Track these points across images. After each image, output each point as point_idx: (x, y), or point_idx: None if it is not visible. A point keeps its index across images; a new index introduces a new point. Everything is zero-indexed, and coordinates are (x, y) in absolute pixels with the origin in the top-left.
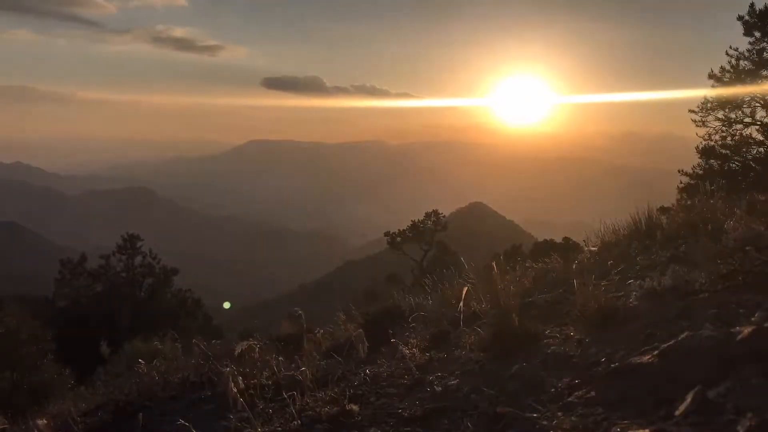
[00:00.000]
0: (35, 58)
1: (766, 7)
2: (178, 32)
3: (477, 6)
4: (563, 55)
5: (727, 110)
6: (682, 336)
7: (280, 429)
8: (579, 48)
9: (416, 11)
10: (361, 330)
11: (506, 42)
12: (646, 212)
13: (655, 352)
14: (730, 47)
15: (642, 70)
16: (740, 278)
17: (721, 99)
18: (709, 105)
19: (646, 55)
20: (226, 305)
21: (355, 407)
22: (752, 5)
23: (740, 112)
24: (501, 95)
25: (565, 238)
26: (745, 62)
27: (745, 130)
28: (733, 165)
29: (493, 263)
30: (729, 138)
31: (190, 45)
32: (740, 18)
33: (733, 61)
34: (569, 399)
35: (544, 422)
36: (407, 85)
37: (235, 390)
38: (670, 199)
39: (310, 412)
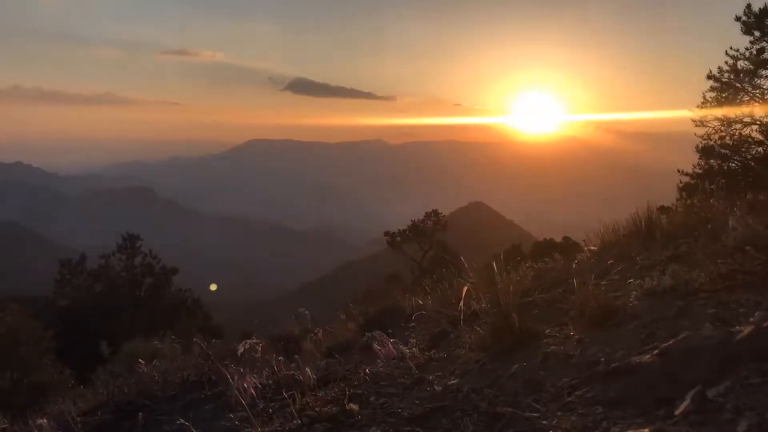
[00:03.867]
0: (36, 58)
1: (764, 6)
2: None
3: (485, 17)
4: (572, 71)
5: (726, 110)
6: (682, 335)
7: (280, 428)
8: (587, 63)
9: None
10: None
11: (515, 57)
12: (646, 212)
13: (655, 352)
14: (730, 47)
15: (648, 79)
16: (740, 278)
17: (719, 99)
18: (707, 104)
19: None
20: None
21: (355, 407)
22: (749, 6)
23: (739, 112)
24: (511, 111)
25: (565, 238)
26: (744, 62)
27: (744, 129)
28: (733, 165)
29: (493, 263)
30: (728, 138)
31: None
32: (738, 18)
33: (732, 61)
34: (569, 398)
35: (544, 422)
36: (415, 92)
37: (236, 389)
38: (669, 198)
39: (311, 412)
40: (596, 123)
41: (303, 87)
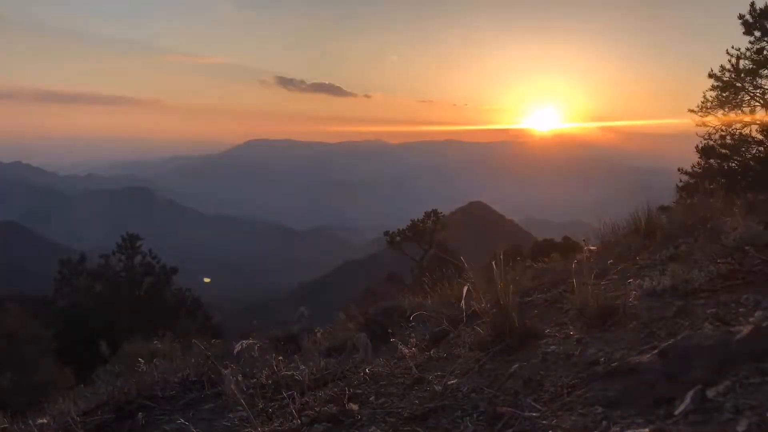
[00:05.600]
0: (38, 57)
1: (766, 6)
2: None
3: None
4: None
5: (726, 109)
6: (682, 335)
7: (279, 428)
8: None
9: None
10: (364, 333)
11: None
12: (646, 211)
13: (655, 352)
14: (732, 46)
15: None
16: (740, 278)
17: (720, 98)
18: (708, 104)
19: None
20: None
21: (354, 406)
22: (752, 4)
23: (740, 111)
24: (512, 112)
25: (565, 238)
26: (746, 61)
27: (745, 129)
28: (733, 164)
29: (493, 263)
30: (728, 137)
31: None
32: (741, 17)
33: (734, 60)
34: (569, 398)
35: (544, 421)
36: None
37: (235, 389)
38: (669, 198)
39: (310, 411)
40: (597, 123)
41: (305, 87)
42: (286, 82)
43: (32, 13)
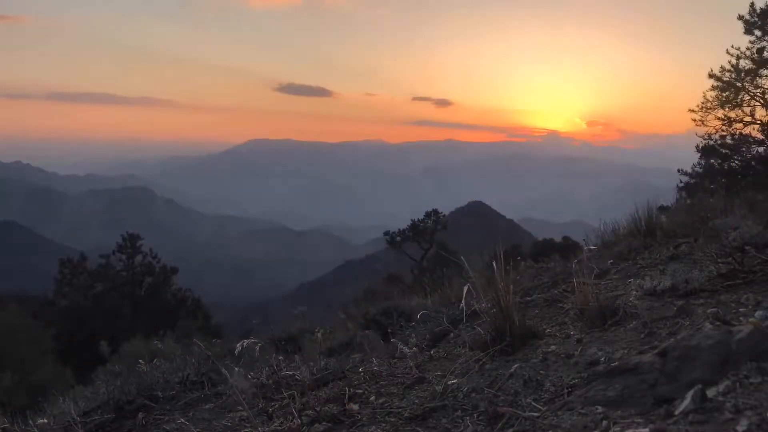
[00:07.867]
0: (40, 55)
1: (766, 6)
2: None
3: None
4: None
5: (726, 109)
6: (682, 335)
7: (279, 428)
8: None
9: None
10: (369, 331)
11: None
12: (646, 211)
13: (655, 351)
14: (732, 46)
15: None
16: (740, 278)
17: (720, 98)
18: (708, 104)
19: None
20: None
21: (355, 406)
22: (752, 4)
23: (740, 111)
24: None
25: (565, 238)
26: (746, 61)
27: (745, 129)
28: (733, 164)
29: (493, 263)
30: (729, 137)
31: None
32: (741, 17)
33: (734, 60)
34: (569, 398)
35: (544, 421)
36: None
37: (234, 389)
38: (670, 198)
39: (310, 411)
40: (596, 122)
41: (306, 87)
42: (287, 83)
43: (39, 14)
